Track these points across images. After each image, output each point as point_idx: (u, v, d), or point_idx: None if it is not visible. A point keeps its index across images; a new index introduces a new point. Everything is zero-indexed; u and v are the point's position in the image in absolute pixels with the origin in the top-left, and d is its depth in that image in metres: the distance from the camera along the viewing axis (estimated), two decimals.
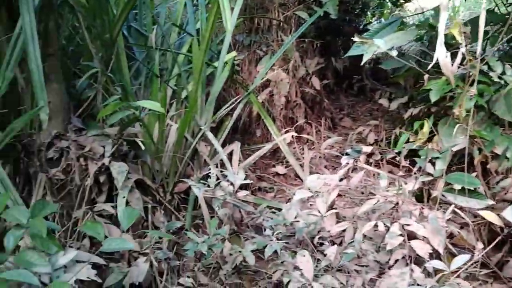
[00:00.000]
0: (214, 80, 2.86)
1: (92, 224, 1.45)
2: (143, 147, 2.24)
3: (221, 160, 2.62)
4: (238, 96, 3.17)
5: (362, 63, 1.97)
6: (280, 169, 3.18)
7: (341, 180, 2.26)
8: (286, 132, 3.24)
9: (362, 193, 2.94)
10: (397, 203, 1.97)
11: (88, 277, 1.40)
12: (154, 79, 2.52)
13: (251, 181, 2.55)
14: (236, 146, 2.71)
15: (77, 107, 2.24)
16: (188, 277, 2.03)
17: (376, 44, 1.77)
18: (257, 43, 3.88)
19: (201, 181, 2.31)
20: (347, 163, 2.26)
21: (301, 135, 3.42)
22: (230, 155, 2.74)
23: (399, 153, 2.69)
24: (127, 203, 2.03)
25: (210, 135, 2.50)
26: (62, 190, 2.06)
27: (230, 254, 2.13)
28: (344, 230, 2.18)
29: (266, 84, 3.64)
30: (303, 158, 3.24)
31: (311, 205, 2.60)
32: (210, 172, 2.42)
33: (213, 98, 2.73)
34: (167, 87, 2.59)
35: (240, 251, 2.07)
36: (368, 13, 5.93)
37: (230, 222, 2.38)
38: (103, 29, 2.15)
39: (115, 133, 2.16)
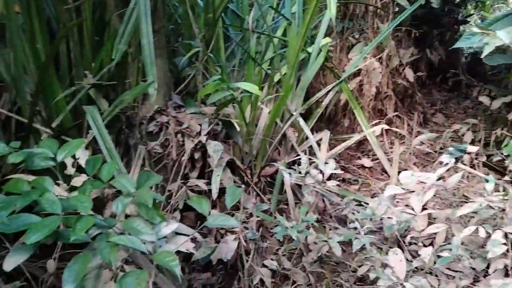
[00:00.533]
0: (306, 65, 2.81)
1: (198, 199, 1.49)
2: (238, 128, 2.26)
3: (309, 147, 2.59)
4: (329, 84, 3.11)
5: (483, 55, 1.82)
6: (366, 161, 3.08)
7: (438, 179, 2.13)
8: (376, 124, 3.11)
9: (454, 194, 2.77)
10: (503, 210, 1.82)
11: (186, 249, 1.45)
12: (249, 62, 2.53)
13: (341, 172, 2.49)
14: (325, 135, 2.65)
15: (176, 85, 2.30)
16: (273, 259, 2.04)
17: (498, 37, 1.62)
18: (350, 29, 3.75)
19: (291, 167, 2.29)
20: (447, 163, 2.12)
21: (391, 128, 3.28)
22: (317, 144, 2.69)
23: (506, 156, 2.48)
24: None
25: (301, 122, 2.47)
26: (158, 163, 2.14)
27: (315, 243, 2.11)
28: (435, 232, 2.07)
29: (356, 73, 3.52)
30: (391, 152, 3.11)
31: (397, 202, 2.50)
32: (297, 158, 2.40)
33: (305, 84, 2.68)
34: (261, 71, 2.58)
35: (326, 241, 2.04)
36: (468, 4, 5.51)
37: (314, 211, 2.35)
38: (206, 9, 2.18)
39: (212, 113, 2.20)
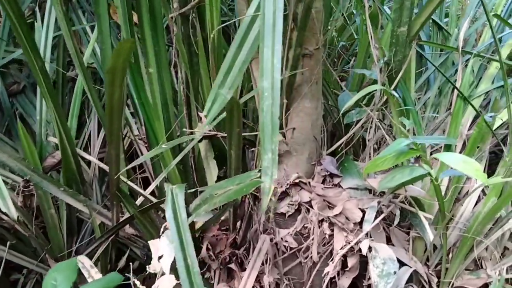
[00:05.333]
0: None
1: None
2: (423, 220, 1.25)
3: None
4: None
5: None
6: None
7: None
8: None
9: None
10: None
11: None
12: (458, 100, 1.47)
13: None
14: None
15: (332, 137, 1.40)
16: None
17: None
18: None
19: None
20: None
21: None
22: None
23: None
24: None
25: None
26: (290, 261, 1.29)
27: None
28: None
29: None
30: None
31: None
32: None
33: None
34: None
35: None
36: None
37: None
38: (398, 19, 1.22)
39: (386, 190, 1.24)
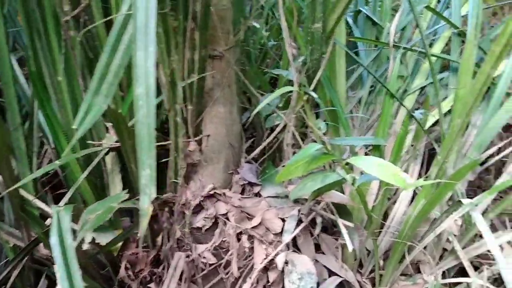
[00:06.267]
0: (485, 101, 1.55)
1: None
2: (342, 228, 1.17)
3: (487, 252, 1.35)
4: None
5: None
6: None
7: None
8: None
9: None
10: None
11: None
12: (386, 99, 1.40)
13: None
14: None
15: (253, 144, 1.30)
16: None
17: None
18: None
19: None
20: None
21: None
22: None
23: None
24: None
25: (476, 216, 1.24)
26: (210, 278, 1.19)
27: None
28: None
29: None
30: None
31: None
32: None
33: (486, 139, 1.43)
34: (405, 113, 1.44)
35: None
36: None
37: None
38: (312, 16, 1.13)
39: (306, 198, 1.15)
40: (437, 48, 1.75)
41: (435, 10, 1.71)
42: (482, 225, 1.16)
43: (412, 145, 1.56)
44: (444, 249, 1.45)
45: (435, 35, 1.84)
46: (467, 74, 1.36)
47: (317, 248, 1.30)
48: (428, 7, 1.71)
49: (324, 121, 1.53)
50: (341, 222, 1.09)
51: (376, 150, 1.36)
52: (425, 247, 1.38)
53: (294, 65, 1.16)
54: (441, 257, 1.43)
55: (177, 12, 1.02)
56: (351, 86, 1.81)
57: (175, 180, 1.15)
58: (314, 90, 1.24)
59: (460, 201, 1.19)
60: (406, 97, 1.67)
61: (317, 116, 1.60)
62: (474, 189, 2.06)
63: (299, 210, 1.13)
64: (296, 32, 1.26)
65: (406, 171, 1.53)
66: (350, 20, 2.00)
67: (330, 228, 1.29)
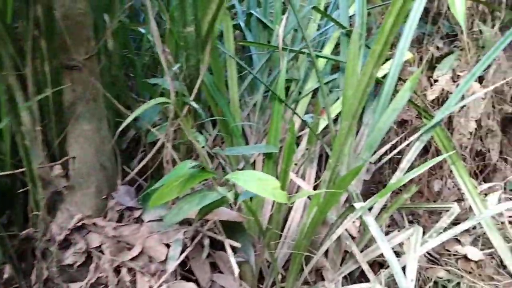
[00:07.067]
0: (377, 102, 1.56)
1: None
2: (228, 249, 1.07)
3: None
4: (408, 126, 1.84)
5: None
6: (473, 252, 1.76)
7: None
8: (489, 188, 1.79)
9: None
10: None
11: None
12: (275, 104, 1.34)
13: None
14: (416, 233, 1.36)
15: (129, 164, 1.16)
16: None
17: None
18: (431, 36, 2.42)
19: None
20: None
21: None
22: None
23: None
24: None
25: (368, 219, 1.21)
26: None
27: None
28: None
29: (442, 99, 2.23)
30: None
31: None
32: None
33: (375, 140, 1.43)
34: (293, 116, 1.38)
35: None
36: None
37: None
38: (182, 18, 1.02)
39: (193, 217, 1.03)
40: (327, 49, 1.74)
41: (321, 11, 1.69)
42: (374, 229, 1.13)
43: (307, 149, 1.52)
44: (346, 251, 1.43)
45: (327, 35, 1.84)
46: (353, 75, 1.34)
47: (216, 266, 1.19)
48: (315, 8, 1.68)
49: (219, 131, 1.44)
50: (228, 243, 0.99)
51: (268, 158, 1.29)
52: (326, 252, 1.34)
53: (168, 73, 1.03)
54: (343, 261, 1.40)
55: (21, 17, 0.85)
56: (250, 89, 1.74)
57: (37, 213, 0.97)
58: (198, 99, 1.13)
59: (352, 205, 1.16)
60: (300, 100, 1.63)
61: (214, 125, 1.50)
62: (376, 185, 2.10)
63: (184, 233, 1.01)
64: (174, 37, 1.14)
65: (303, 175, 1.48)
66: (242, 24, 1.93)
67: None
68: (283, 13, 1.92)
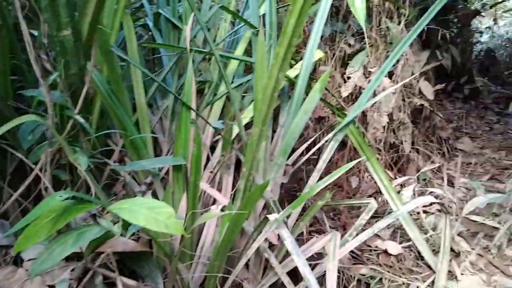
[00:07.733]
0: (289, 104, 1.50)
1: None
2: (133, 284, 0.94)
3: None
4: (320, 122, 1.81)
5: None
6: (392, 246, 1.77)
7: None
8: (404, 182, 1.82)
9: None
10: None
11: None
12: (183, 111, 1.21)
13: None
14: (334, 239, 1.31)
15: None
16: None
17: None
18: (343, 33, 2.43)
19: None
20: None
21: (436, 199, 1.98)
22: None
23: None
24: None
25: (283, 232, 1.13)
26: None
27: None
28: None
29: (355, 96, 2.26)
30: (432, 229, 1.82)
31: None
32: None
33: (289, 144, 1.36)
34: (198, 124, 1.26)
35: None
36: None
37: None
38: (55, 19, 0.86)
39: (82, 251, 0.88)
40: (240, 50, 1.65)
41: (230, 10, 1.59)
42: (289, 243, 1.06)
43: (223, 155, 1.42)
44: (266, 260, 1.35)
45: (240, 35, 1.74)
46: (262, 77, 1.26)
47: None
48: (222, 7, 1.58)
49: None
50: (119, 280, 0.85)
51: (177, 170, 1.16)
52: (247, 264, 1.26)
53: (44, 83, 0.86)
54: (265, 271, 1.32)
55: None
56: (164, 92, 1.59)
57: None
58: (88, 110, 0.97)
59: (266, 217, 1.08)
60: (213, 104, 1.52)
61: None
62: (298, 182, 2.06)
63: (72, 271, 0.85)
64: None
65: (219, 183, 1.38)
66: (150, 24, 1.77)
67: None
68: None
